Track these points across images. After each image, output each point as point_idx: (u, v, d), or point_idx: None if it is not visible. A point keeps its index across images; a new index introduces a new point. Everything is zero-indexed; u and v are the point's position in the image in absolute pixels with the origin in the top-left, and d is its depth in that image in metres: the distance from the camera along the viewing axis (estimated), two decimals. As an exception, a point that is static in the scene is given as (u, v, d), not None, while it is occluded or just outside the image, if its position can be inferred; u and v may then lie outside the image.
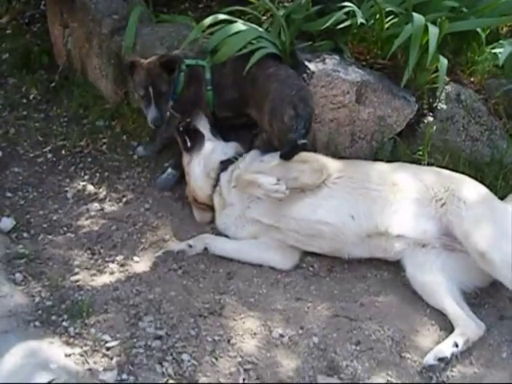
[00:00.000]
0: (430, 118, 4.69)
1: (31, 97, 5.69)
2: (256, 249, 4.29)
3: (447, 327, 3.84)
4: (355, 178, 4.22)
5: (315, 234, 4.18)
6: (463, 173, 4.40)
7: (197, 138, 4.54)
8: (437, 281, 3.99)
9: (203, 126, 4.56)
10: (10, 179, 4.91)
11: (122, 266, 4.21)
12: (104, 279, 4.10)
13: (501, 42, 4.92)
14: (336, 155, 4.58)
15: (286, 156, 4.19)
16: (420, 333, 3.85)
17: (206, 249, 4.31)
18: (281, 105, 4.28)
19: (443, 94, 4.70)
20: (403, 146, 4.64)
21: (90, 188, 4.81)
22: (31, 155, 5.14)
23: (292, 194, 4.14)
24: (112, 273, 4.16)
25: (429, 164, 4.57)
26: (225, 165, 4.48)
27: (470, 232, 3.91)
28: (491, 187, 4.30)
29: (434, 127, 4.64)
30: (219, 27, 4.62)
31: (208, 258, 4.29)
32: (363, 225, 4.12)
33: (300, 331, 3.82)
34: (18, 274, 4.07)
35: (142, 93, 4.40)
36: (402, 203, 4.13)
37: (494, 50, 4.91)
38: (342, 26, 4.58)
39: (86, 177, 4.92)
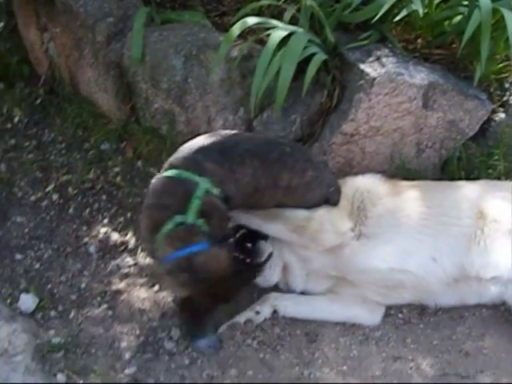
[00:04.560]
0: (502, 115, 3.80)
1: (16, 119, 4.44)
2: (336, 305, 3.39)
3: None
4: (427, 213, 3.32)
5: (394, 285, 3.30)
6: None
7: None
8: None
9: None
10: (14, 234, 3.81)
11: (180, 343, 3.25)
12: (164, 365, 3.17)
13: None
14: (401, 168, 3.71)
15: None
16: (541, 382, 3.05)
17: (274, 311, 3.37)
18: None
19: (512, 85, 3.78)
20: (475, 150, 3.72)
21: (115, 236, 3.75)
22: (32, 198, 4.00)
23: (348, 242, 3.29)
24: (172, 354, 3.22)
25: (505, 168, 3.71)
26: None
27: None
28: None
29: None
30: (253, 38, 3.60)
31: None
32: (448, 268, 3.25)
33: (410, 402, 2.98)
34: (59, 375, 3.12)
35: None
36: (493, 238, 3.27)
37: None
38: (400, 16, 3.57)
39: (106, 221, 3.84)
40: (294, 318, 3.36)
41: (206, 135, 3.25)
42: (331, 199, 3.32)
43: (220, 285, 2.96)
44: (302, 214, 3.26)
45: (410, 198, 3.38)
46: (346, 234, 3.26)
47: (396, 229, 3.28)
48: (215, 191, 2.98)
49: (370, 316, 3.36)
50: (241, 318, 3.30)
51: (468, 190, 3.46)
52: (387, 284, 3.30)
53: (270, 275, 3.40)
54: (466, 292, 3.33)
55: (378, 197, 3.36)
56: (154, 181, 3.14)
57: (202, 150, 3.09)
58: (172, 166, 3.08)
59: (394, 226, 3.28)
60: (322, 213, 3.27)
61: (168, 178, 3.04)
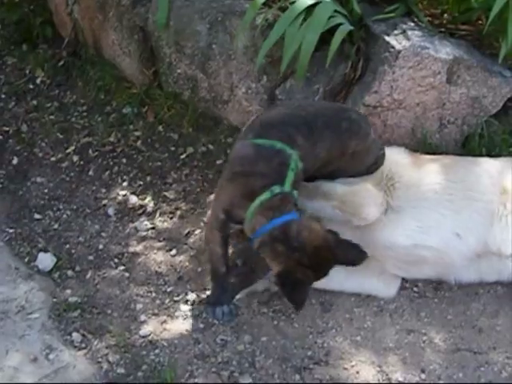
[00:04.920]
0: (526, 94, 3.74)
1: (38, 80, 4.45)
2: (353, 277, 3.34)
3: None
4: (451, 188, 3.28)
5: (416, 261, 3.27)
6: None
7: None
8: None
9: None
10: (33, 194, 3.82)
11: (195, 307, 3.26)
12: (179, 328, 3.17)
13: None
14: (422, 143, 3.69)
15: None
16: (553, 361, 3.04)
17: None
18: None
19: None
20: (497, 128, 3.70)
21: (134, 199, 3.75)
22: (53, 159, 4.01)
23: None
24: (186, 317, 3.22)
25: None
26: None
27: None
28: None
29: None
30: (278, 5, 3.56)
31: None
32: (471, 244, 3.22)
33: (422, 375, 3.02)
34: (75, 334, 3.12)
35: None
36: None
37: None
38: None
39: (125, 184, 3.84)
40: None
41: (285, 106, 3.37)
42: (378, 162, 3.32)
43: (315, 257, 2.91)
44: (341, 188, 3.24)
45: (435, 171, 3.35)
46: (382, 206, 3.23)
47: (421, 203, 3.26)
48: (300, 165, 2.99)
49: (385, 288, 3.34)
50: (259, 287, 3.29)
51: (491, 166, 3.43)
52: (410, 259, 3.27)
53: None
54: (486, 268, 3.30)
55: (404, 168, 3.34)
56: (241, 148, 3.13)
57: (292, 124, 3.07)
58: (261, 136, 3.04)
59: (420, 200, 3.26)
60: (361, 186, 3.25)
61: (261, 146, 3.01)
